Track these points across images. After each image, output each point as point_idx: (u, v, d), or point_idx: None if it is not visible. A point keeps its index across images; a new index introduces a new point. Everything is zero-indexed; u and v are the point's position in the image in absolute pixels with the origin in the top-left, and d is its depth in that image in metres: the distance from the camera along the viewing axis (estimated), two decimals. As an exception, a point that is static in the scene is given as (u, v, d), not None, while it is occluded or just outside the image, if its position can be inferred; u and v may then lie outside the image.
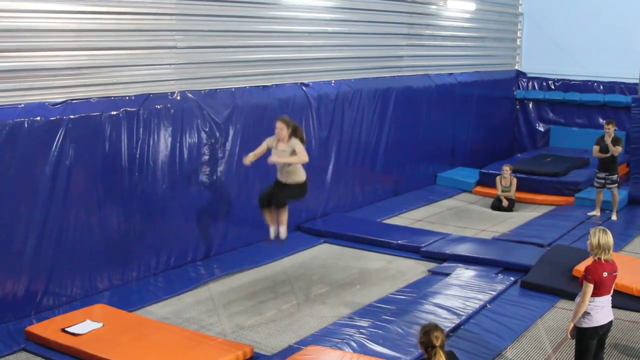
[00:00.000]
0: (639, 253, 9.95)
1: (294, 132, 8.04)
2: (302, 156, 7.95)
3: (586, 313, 5.70)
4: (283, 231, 8.36)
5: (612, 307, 5.86)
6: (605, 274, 5.65)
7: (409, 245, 10.03)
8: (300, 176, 8.15)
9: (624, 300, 7.77)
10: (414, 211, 12.44)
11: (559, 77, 16.95)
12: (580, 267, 8.10)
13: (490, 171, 13.88)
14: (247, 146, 9.68)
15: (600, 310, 5.72)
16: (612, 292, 5.83)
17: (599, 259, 5.69)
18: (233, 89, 9.61)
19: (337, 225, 10.93)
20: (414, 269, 9.43)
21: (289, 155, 7.94)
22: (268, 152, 8.14)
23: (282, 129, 7.98)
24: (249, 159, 8.22)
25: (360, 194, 12.31)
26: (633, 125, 12.87)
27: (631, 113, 13.01)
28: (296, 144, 7.95)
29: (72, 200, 7.67)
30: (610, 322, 5.84)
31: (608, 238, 5.70)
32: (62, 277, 7.69)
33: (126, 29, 8.21)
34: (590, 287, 5.62)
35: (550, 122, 17.14)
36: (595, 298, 5.68)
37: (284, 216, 8.32)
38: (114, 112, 8.03)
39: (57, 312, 7.50)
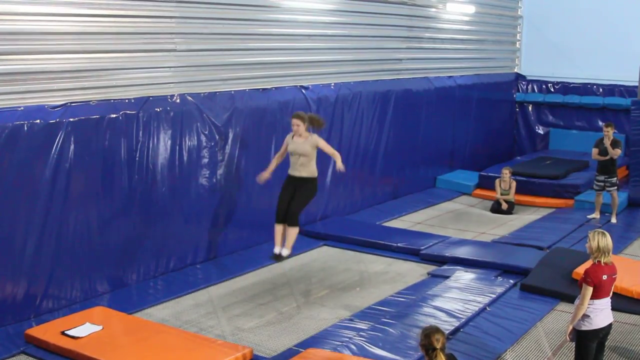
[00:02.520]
0: (639, 256, 9.96)
1: (312, 124, 8.31)
2: (333, 150, 8.31)
3: (586, 316, 5.71)
4: (286, 251, 8.32)
5: (612, 309, 5.87)
6: (604, 277, 5.66)
7: (409, 247, 10.03)
8: (314, 171, 8.31)
9: (623, 302, 7.76)
10: (414, 214, 12.45)
11: (559, 80, 16.96)
12: (580, 270, 8.10)
13: (490, 174, 13.89)
14: (246, 149, 9.71)
15: (600, 313, 5.72)
16: (611, 294, 5.84)
17: (599, 261, 5.70)
18: (232, 92, 9.62)
19: (336, 228, 10.93)
20: (414, 271, 9.43)
21: (309, 148, 8.15)
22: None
23: (298, 125, 8.18)
24: (264, 177, 8.52)
25: (359, 197, 12.31)
26: (632, 127, 12.88)
27: (630, 116, 13.02)
28: (318, 140, 8.21)
29: (71, 203, 7.67)
30: (610, 325, 5.84)
31: (607, 241, 5.70)
32: (61, 280, 7.69)
33: (126, 32, 8.22)
34: (589, 290, 5.62)
35: (550, 124, 17.14)
36: (595, 301, 5.68)
37: (292, 238, 8.30)
38: (114, 115, 8.04)
39: (57, 314, 7.50)
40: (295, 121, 8.20)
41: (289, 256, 8.46)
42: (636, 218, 12.09)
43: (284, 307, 8.17)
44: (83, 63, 7.82)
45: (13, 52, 7.19)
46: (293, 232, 8.28)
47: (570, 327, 5.82)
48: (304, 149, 8.14)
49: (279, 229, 8.31)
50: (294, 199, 8.23)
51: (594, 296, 5.66)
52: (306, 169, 8.24)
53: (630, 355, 6.91)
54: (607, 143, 11.42)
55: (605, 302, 5.76)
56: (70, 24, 7.63)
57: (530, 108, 17.34)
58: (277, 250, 8.29)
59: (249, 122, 9.78)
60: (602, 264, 5.68)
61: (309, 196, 8.36)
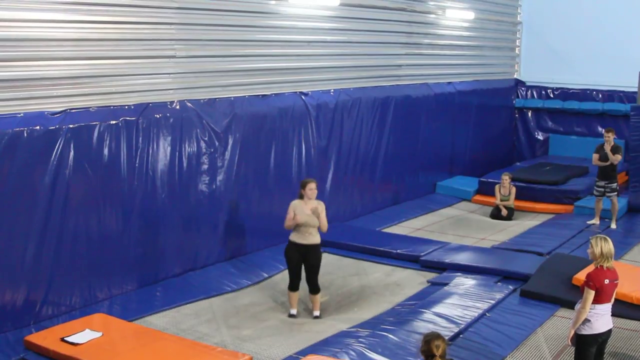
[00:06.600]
0: (639, 261, 9.95)
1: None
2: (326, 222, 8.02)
3: (586, 320, 5.71)
4: (318, 313, 8.16)
5: (612, 315, 5.87)
6: (606, 282, 5.67)
7: (409, 254, 10.02)
8: (318, 237, 8.08)
9: (623, 308, 7.75)
10: (413, 220, 12.44)
11: (558, 86, 17.00)
12: (580, 276, 8.10)
13: (490, 180, 13.89)
14: (246, 155, 9.71)
15: (600, 318, 5.73)
16: (613, 300, 5.84)
17: (601, 266, 5.71)
18: (232, 98, 9.62)
19: (336, 234, 10.88)
20: (414, 278, 9.41)
21: (314, 216, 7.92)
22: None
23: (315, 190, 8.00)
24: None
25: (359, 203, 12.31)
26: (632, 133, 12.90)
27: (630, 121, 13.04)
28: (322, 208, 8.00)
29: (71, 209, 7.67)
30: (610, 330, 5.85)
31: (609, 246, 5.74)
32: (61, 287, 7.68)
33: (125, 39, 8.23)
34: (591, 294, 5.63)
35: (549, 130, 17.17)
36: (596, 305, 5.69)
37: (318, 302, 8.19)
38: (113, 122, 8.04)
39: (57, 321, 7.48)
40: (314, 186, 8.02)
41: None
42: (636, 224, 12.08)
43: (283, 314, 8.16)
44: (83, 69, 7.83)
45: (13, 59, 7.20)
46: (317, 297, 8.22)
47: (572, 332, 5.83)
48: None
49: (292, 295, 8.23)
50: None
51: (596, 301, 5.67)
52: (314, 237, 8.04)
53: (630, 362, 6.91)
54: (607, 148, 11.43)
55: (606, 308, 5.77)
56: (70, 31, 7.64)
57: (529, 114, 17.36)
58: (292, 311, 8.21)
59: (249, 128, 9.78)
60: (605, 269, 5.70)
61: (319, 261, 8.22)
